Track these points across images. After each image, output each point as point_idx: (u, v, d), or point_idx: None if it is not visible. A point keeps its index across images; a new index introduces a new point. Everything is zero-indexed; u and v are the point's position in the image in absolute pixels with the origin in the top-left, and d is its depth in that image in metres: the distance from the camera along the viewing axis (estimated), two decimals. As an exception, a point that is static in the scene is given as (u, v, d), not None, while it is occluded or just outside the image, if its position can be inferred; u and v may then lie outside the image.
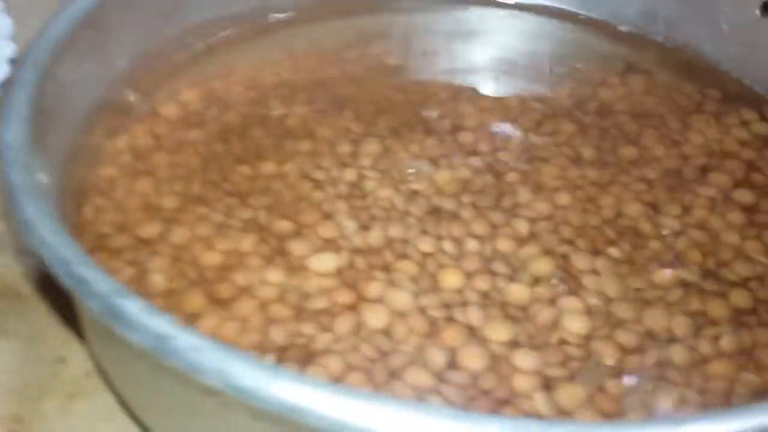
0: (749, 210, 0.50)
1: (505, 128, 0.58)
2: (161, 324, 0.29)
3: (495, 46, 0.68)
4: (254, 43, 0.67)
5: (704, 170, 0.54)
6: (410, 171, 0.53)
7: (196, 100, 0.60)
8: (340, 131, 0.57)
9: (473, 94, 0.62)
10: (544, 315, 0.42)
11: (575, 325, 0.41)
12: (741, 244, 0.48)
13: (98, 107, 0.55)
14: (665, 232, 0.48)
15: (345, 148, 0.55)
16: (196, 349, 0.28)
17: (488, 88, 0.63)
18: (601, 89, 0.63)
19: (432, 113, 0.60)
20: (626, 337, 0.41)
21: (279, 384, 0.26)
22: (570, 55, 0.67)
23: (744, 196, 0.51)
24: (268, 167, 0.53)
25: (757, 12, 0.60)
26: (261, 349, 0.41)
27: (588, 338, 0.41)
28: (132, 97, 0.58)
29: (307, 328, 0.41)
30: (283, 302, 0.43)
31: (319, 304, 0.43)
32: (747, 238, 0.48)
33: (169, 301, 0.43)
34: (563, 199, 0.50)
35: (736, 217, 0.49)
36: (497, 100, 0.61)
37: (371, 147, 0.55)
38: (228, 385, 0.27)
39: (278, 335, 0.41)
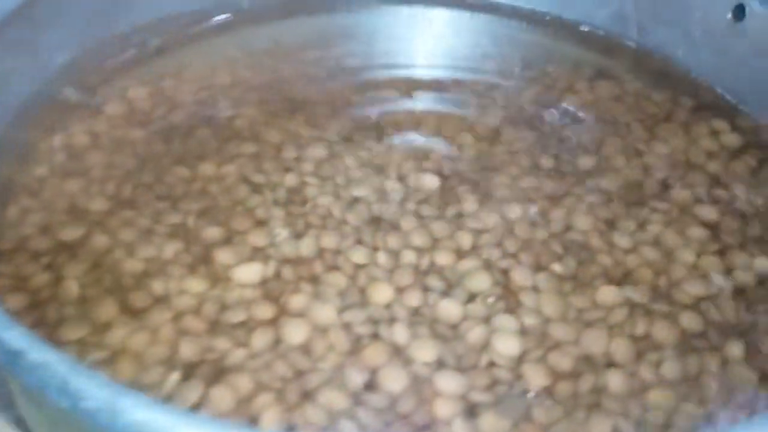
0: (710, 227, 0.47)
1: (462, 135, 0.55)
2: (14, 338, 0.26)
3: (460, 49, 0.65)
4: (210, 41, 0.65)
5: (666, 184, 0.51)
6: (355, 178, 0.50)
7: (144, 98, 0.58)
8: (289, 135, 0.54)
9: (433, 98, 0.60)
10: (475, 334, 0.39)
11: (506, 346, 0.39)
12: (696, 262, 0.45)
13: (33, 103, 0.53)
14: (616, 248, 0.45)
15: (290, 153, 0.52)
16: (43, 366, 0.25)
17: (449, 92, 0.61)
18: (567, 95, 0.60)
19: (387, 118, 0.57)
20: (560, 361, 0.39)
21: (122, 404, 0.24)
22: (538, 59, 0.64)
23: (705, 211, 0.48)
24: (207, 169, 0.51)
25: (730, 16, 0.57)
26: (168, 364, 0.38)
27: (519, 361, 0.38)
28: (73, 94, 0.56)
29: (221, 343, 0.39)
30: (199, 314, 0.40)
31: (237, 317, 0.40)
32: (703, 255, 0.45)
33: (81, 309, 0.41)
34: (513, 211, 0.48)
35: (695, 233, 0.46)
36: (457, 106, 0.58)
37: (317, 152, 0.52)
38: (75, 408, 0.24)
39: (188, 349, 0.39)
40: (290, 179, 0.50)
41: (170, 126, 0.55)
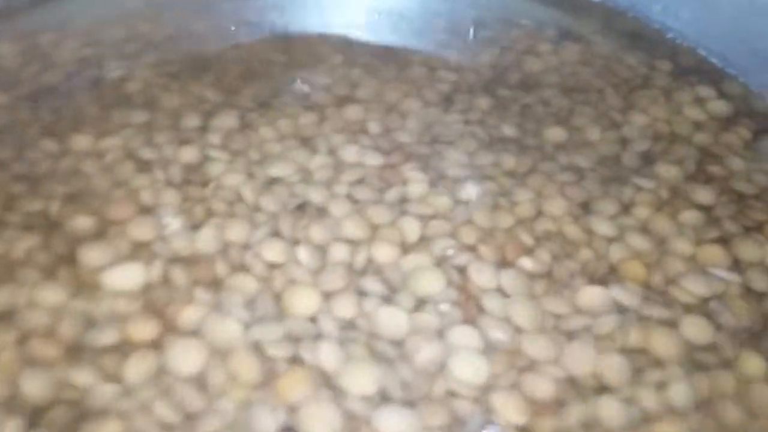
0: (705, 209, 0.39)
1: (407, 102, 0.46)
2: None
3: (405, 4, 0.55)
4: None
5: (648, 158, 0.42)
6: (273, 153, 0.40)
7: (13, 55, 0.47)
8: (191, 100, 0.44)
9: (370, 59, 0.50)
10: (426, 354, 0.30)
11: (468, 369, 0.29)
12: (694, 252, 0.36)
13: None
14: (597, 236, 0.36)
15: (191, 121, 0.42)
16: None
17: (391, 52, 0.51)
18: (527, 58, 0.51)
19: (314, 81, 0.47)
20: (538, 387, 0.30)
21: None
22: (495, 18, 0.55)
23: (699, 191, 0.40)
24: (81, 142, 0.40)
25: (715, -34, 0.49)
26: (7, 407, 0.27)
27: (485, 389, 0.29)
28: None
29: (82, 376, 0.28)
30: (53, 335, 0.30)
31: (107, 337, 0.30)
32: (702, 243, 0.37)
33: None
34: (468, 191, 0.38)
35: (689, 217, 0.38)
36: (400, 68, 0.49)
37: (226, 121, 0.42)
38: None
39: (37, 387, 0.28)
40: (188, 153, 0.39)
41: (41, 89, 0.44)
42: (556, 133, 0.44)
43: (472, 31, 0.54)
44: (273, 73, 0.47)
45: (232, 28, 0.52)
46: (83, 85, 0.45)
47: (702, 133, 0.44)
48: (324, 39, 0.52)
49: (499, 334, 0.31)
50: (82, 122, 0.41)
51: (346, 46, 0.51)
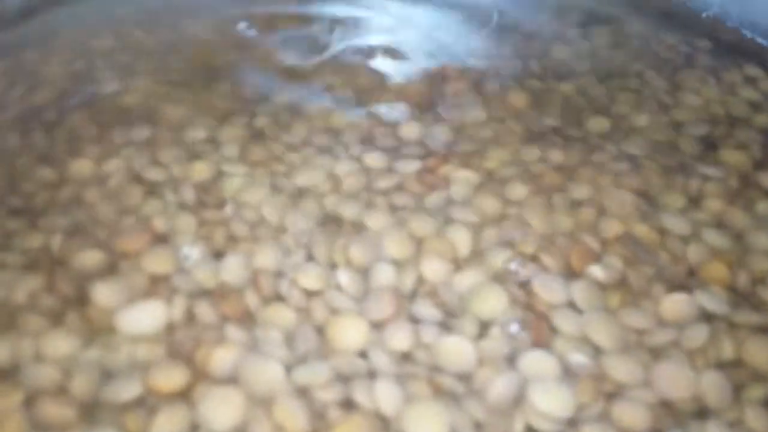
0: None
1: (433, 98, 0.42)
2: None
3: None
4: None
5: (709, 143, 0.38)
6: (295, 161, 0.36)
7: (-5, 75, 0.42)
8: (197, 110, 0.40)
9: (391, 55, 0.46)
10: (501, 387, 0.26)
11: (551, 401, 0.25)
12: (779, 247, 0.32)
13: None
14: (671, 235, 0.32)
15: (198, 133, 0.38)
16: None
17: (413, 49, 0.47)
18: (556, 46, 0.47)
19: (335, 80, 0.43)
20: (632, 415, 0.25)
21: None
22: (516, 5, 0.51)
23: (769, 177, 0.36)
24: (81, 167, 0.36)
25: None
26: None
27: (573, 422, 0.25)
28: None
29: (103, 439, 0.24)
30: (66, 393, 0.26)
31: (129, 391, 0.26)
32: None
33: None
34: (517, 191, 0.34)
35: (766, 208, 0.34)
36: (424, 64, 0.45)
37: (237, 130, 0.38)
38: None
39: (49, 456, 0.24)
40: (201, 170, 0.35)
41: (31, 111, 0.40)
42: (599, 122, 0.40)
43: (494, 19, 0.50)
44: (285, 76, 0.43)
45: (240, 27, 0.48)
46: (77, 103, 0.41)
47: (761, 114, 0.41)
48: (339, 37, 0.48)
49: (578, 357, 0.27)
50: (80, 145, 0.37)
51: (361, 45, 0.47)
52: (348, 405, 0.25)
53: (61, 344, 0.27)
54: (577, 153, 0.37)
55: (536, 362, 0.27)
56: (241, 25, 0.48)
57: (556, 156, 0.37)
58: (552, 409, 0.25)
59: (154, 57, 0.44)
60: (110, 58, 0.44)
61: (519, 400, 0.26)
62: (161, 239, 0.32)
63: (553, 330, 0.28)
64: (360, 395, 0.25)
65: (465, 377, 0.26)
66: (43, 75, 0.43)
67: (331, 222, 0.33)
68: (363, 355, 0.27)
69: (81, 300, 0.29)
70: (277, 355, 0.26)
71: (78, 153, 0.37)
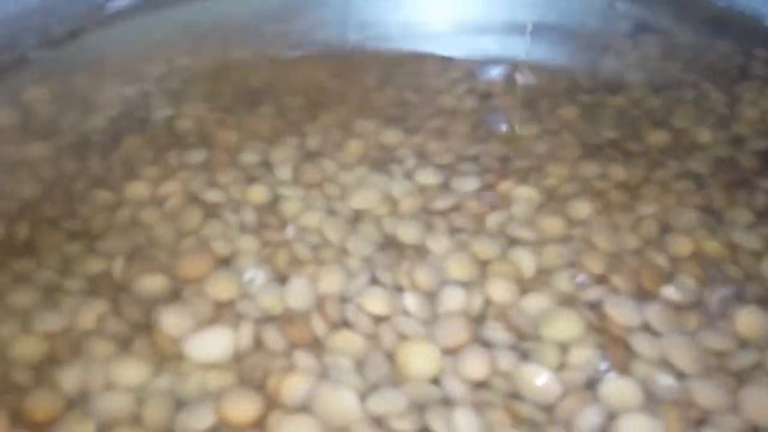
0: None
1: (482, 113, 0.41)
2: None
3: (458, 8, 0.51)
4: (135, 21, 0.49)
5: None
6: (349, 182, 0.36)
7: (47, 100, 0.42)
8: (249, 133, 0.39)
9: (440, 70, 0.45)
10: (586, 418, 0.25)
11: (638, 428, 0.24)
12: None
13: None
14: (742, 251, 0.31)
15: (252, 156, 0.37)
16: None
17: (457, 63, 0.46)
18: (605, 57, 0.47)
19: (381, 100, 0.43)
20: (721, 444, 0.25)
21: None
22: (559, 15, 0.50)
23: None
24: (138, 189, 0.36)
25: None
26: None
27: (662, 453, 0.24)
28: (-60, 100, 0.40)
29: (178, 471, 0.24)
30: (140, 423, 0.25)
31: (202, 421, 0.25)
32: None
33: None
34: (580, 209, 0.34)
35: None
36: (469, 81, 0.44)
37: (289, 152, 0.37)
38: None
39: (126, 488, 0.23)
40: (258, 193, 0.35)
41: (86, 136, 0.40)
42: (659, 137, 0.39)
43: (530, 32, 0.49)
44: (335, 98, 0.43)
45: (282, 53, 0.47)
46: (130, 127, 0.41)
47: (824, 126, 0.39)
48: (379, 57, 0.47)
49: (662, 383, 0.26)
50: (135, 168, 0.37)
51: (407, 61, 0.46)
52: (424, 435, 0.25)
53: (131, 372, 0.27)
54: (640, 170, 0.37)
55: (618, 389, 0.26)
56: (282, 47, 0.48)
57: (618, 172, 0.36)
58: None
59: (203, 82, 0.44)
60: (160, 83, 0.44)
61: (605, 430, 0.25)
62: (223, 262, 0.31)
63: (631, 354, 0.27)
64: (437, 424, 0.25)
65: (547, 408, 0.25)
66: (93, 100, 0.43)
67: (390, 245, 0.32)
68: (436, 382, 0.26)
69: (146, 327, 0.29)
70: (349, 382, 0.26)
71: (133, 176, 0.36)
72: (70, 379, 0.27)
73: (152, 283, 0.30)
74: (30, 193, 0.36)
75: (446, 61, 0.46)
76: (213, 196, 0.35)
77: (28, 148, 0.39)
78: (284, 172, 0.36)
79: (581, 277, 0.30)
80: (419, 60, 0.47)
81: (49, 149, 0.39)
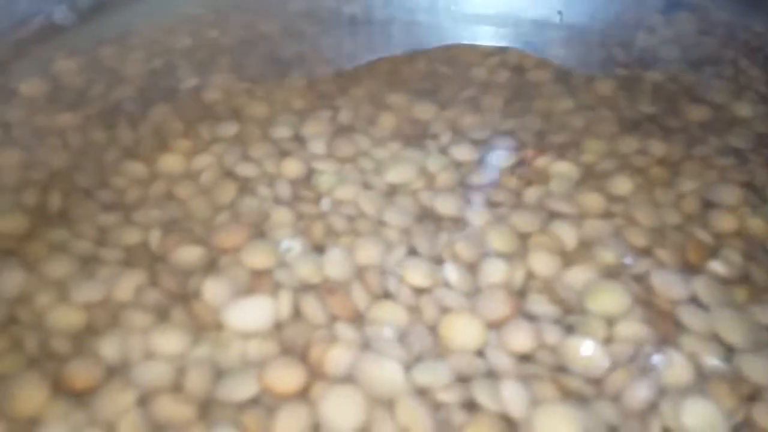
0: None
1: (522, 88, 0.41)
2: None
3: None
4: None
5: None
6: (384, 157, 0.35)
7: (75, 72, 0.42)
8: (279, 107, 0.39)
9: (470, 43, 0.45)
10: (635, 392, 0.24)
11: (692, 407, 0.24)
12: None
13: None
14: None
15: (284, 131, 0.37)
16: None
17: (487, 37, 0.45)
18: (639, 33, 0.46)
19: (413, 71, 0.42)
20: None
21: None
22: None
23: None
24: (171, 162, 0.35)
25: None
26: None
27: (713, 428, 0.24)
28: (-30, 71, 0.40)
29: (223, 439, 0.24)
30: (181, 392, 0.25)
31: (245, 390, 0.25)
32: None
33: (-11, 397, 0.25)
34: (622, 185, 0.33)
35: None
36: (504, 55, 0.43)
37: (321, 125, 0.37)
38: None
39: (169, 456, 0.23)
40: (292, 166, 0.34)
41: (113, 106, 0.40)
42: (699, 112, 0.38)
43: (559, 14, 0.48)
44: (359, 71, 0.43)
45: (308, 27, 0.47)
46: (158, 98, 0.40)
47: None
48: (408, 30, 0.47)
49: (712, 358, 0.25)
50: (166, 140, 0.37)
51: (435, 38, 0.46)
52: (470, 407, 0.24)
53: (170, 341, 0.26)
54: (680, 145, 0.36)
55: (668, 364, 0.25)
56: (308, 21, 0.47)
57: (658, 148, 0.36)
58: (694, 418, 0.24)
59: (231, 55, 0.44)
60: (187, 55, 0.44)
61: (655, 404, 0.24)
62: (259, 234, 0.31)
63: (680, 327, 0.27)
64: (483, 397, 0.24)
65: (595, 381, 0.25)
66: (121, 72, 0.42)
67: (428, 217, 0.32)
68: (480, 354, 0.26)
69: (183, 296, 0.28)
70: (393, 354, 0.26)
71: (166, 148, 0.36)
72: (109, 348, 0.26)
73: (189, 254, 0.30)
74: (61, 163, 0.35)
75: (476, 34, 0.46)
76: (247, 170, 0.34)
77: (57, 118, 0.38)
78: (317, 146, 0.36)
79: (623, 248, 0.30)
80: (448, 33, 0.46)
81: (78, 119, 0.38)
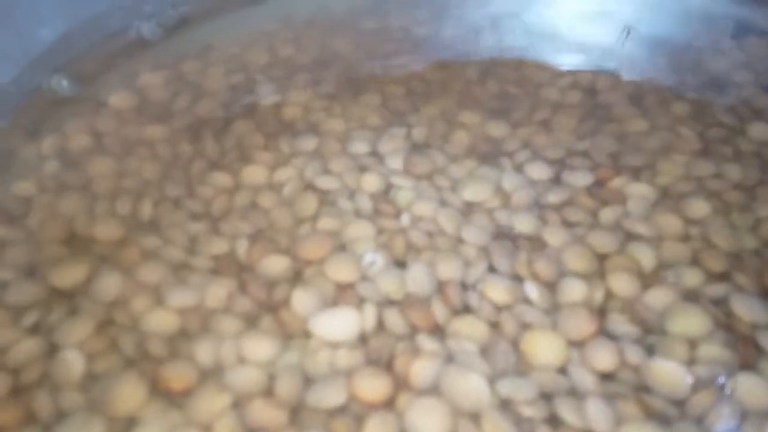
0: None
1: (595, 109, 0.41)
2: None
3: (555, 8, 0.50)
4: (240, 12, 0.51)
5: None
6: (460, 175, 0.36)
7: (160, 86, 0.44)
8: (356, 124, 0.40)
9: (541, 64, 0.45)
10: (719, 416, 0.25)
11: (773, 429, 0.24)
12: None
13: (11, 96, 0.40)
14: None
15: (361, 146, 0.38)
16: None
17: (558, 56, 0.46)
18: (710, 57, 0.46)
19: (484, 91, 0.43)
20: None
21: None
22: (661, 15, 0.50)
23: None
24: (255, 174, 0.37)
25: None
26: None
27: (798, 454, 0.24)
28: (65, 83, 0.42)
29: (313, 444, 0.25)
30: (273, 397, 0.26)
31: (334, 397, 0.26)
32: None
33: (88, 396, 0.27)
34: (699, 208, 0.33)
35: None
36: (575, 76, 0.44)
37: (396, 142, 0.38)
38: None
39: (265, 458, 0.24)
40: (371, 181, 0.36)
41: (197, 120, 0.41)
42: (774, 137, 0.38)
43: (627, 31, 0.49)
44: (431, 90, 0.43)
45: (381, 47, 0.48)
46: (240, 113, 0.42)
47: None
48: (477, 53, 0.48)
49: (793, 384, 0.26)
50: (248, 152, 0.38)
51: (504, 59, 0.47)
52: (554, 422, 0.25)
53: (261, 347, 0.28)
54: (754, 170, 0.36)
55: (749, 388, 0.25)
56: (379, 40, 0.49)
57: (733, 172, 0.36)
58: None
59: (307, 72, 0.45)
60: (265, 72, 0.45)
61: (739, 428, 0.25)
62: (341, 247, 0.32)
63: (760, 351, 0.27)
64: (567, 413, 0.25)
65: (677, 401, 0.25)
66: (203, 87, 0.44)
67: (505, 236, 0.33)
68: (563, 371, 0.26)
69: (272, 305, 0.30)
70: (477, 367, 0.26)
71: (249, 160, 0.38)
72: (203, 352, 0.28)
73: (275, 264, 0.31)
74: (151, 173, 0.37)
75: (546, 55, 0.46)
76: (327, 183, 0.35)
77: (145, 130, 0.40)
78: (395, 162, 0.37)
79: (700, 273, 0.30)
80: (518, 54, 0.47)
81: (165, 131, 0.40)
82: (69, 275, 0.31)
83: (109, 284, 0.30)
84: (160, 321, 0.29)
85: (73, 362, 0.27)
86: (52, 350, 0.28)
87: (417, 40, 0.49)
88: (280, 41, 0.48)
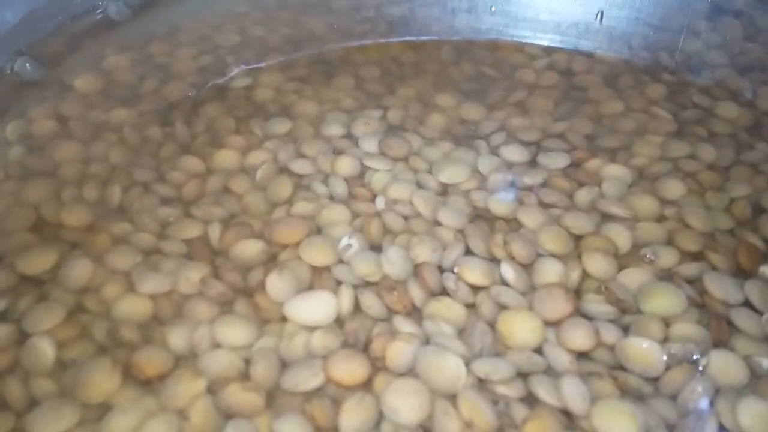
0: None
1: (570, 91, 0.41)
2: None
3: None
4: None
5: None
6: (435, 157, 0.36)
7: (127, 68, 0.43)
8: (329, 106, 0.40)
9: (516, 46, 0.45)
10: (692, 392, 0.25)
11: (748, 411, 0.24)
12: None
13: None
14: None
15: (334, 129, 0.38)
16: None
17: (534, 38, 0.46)
18: (685, 38, 0.46)
19: (459, 73, 0.43)
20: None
21: None
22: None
23: None
24: (227, 158, 0.36)
25: None
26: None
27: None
28: (29, 66, 0.41)
29: (293, 428, 0.24)
30: (249, 381, 0.26)
31: (311, 381, 0.26)
32: None
33: (59, 384, 0.26)
34: (674, 189, 0.33)
35: None
36: (551, 57, 0.44)
37: (371, 125, 0.38)
38: None
39: (241, 445, 0.24)
40: (345, 165, 0.35)
41: (167, 103, 0.40)
42: (746, 118, 0.38)
43: (601, 14, 0.48)
44: (406, 71, 0.43)
45: (354, 27, 0.47)
46: (210, 95, 0.41)
47: None
48: (451, 32, 0.47)
49: (766, 360, 0.26)
50: (220, 136, 0.38)
51: (479, 39, 0.46)
52: (531, 401, 0.25)
53: (236, 332, 0.27)
54: (729, 151, 0.36)
55: (722, 365, 0.26)
56: (352, 21, 0.48)
57: (707, 153, 0.36)
58: (750, 420, 0.24)
59: (279, 53, 0.44)
60: (235, 53, 0.44)
61: (712, 404, 0.25)
62: (316, 230, 0.32)
63: (733, 330, 0.27)
64: (543, 392, 0.25)
65: (651, 378, 0.25)
66: (171, 68, 0.43)
67: (481, 218, 0.33)
68: (539, 351, 0.27)
69: (247, 289, 0.29)
70: (454, 349, 0.26)
71: (220, 144, 0.37)
72: (176, 337, 0.27)
73: (249, 249, 0.31)
74: (119, 158, 0.36)
75: (521, 37, 0.46)
76: (301, 167, 0.35)
77: (112, 114, 0.39)
78: (370, 145, 0.36)
79: (675, 253, 0.30)
80: (493, 36, 0.47)
81: (132, 115, 0.39)
82: (37, 262, 0.30)
83: (79, 271, 0.30)
84: (132, 307, 0.28)
85: (44, 349, 0.27)
86: (22, 338, 0.27)
87: (391, 20, 0.48)
88: (250, 22, 0.47)
